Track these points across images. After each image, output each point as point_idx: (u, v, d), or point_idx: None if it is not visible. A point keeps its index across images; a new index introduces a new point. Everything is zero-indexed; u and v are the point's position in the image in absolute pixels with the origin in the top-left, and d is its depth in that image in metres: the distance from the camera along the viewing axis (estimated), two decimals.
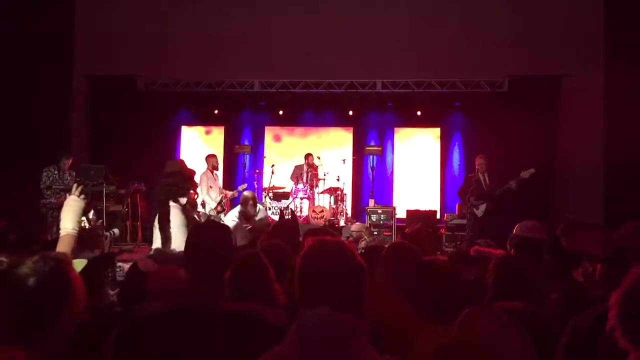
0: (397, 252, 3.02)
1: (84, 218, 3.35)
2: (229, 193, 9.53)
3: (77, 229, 3.07)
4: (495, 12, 10.97)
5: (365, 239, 7.55)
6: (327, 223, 10.22)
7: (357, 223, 9.16)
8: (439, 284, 2.43)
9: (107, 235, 5.43)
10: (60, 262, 2.00)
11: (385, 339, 1.82)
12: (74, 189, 3.18)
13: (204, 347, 1.90)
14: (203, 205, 9.09)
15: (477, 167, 9.09)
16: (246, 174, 11.53)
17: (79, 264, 2.71)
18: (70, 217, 3.03)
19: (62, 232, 3.02)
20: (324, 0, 11.41)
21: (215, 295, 2.07)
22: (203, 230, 2.27)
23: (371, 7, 11.25)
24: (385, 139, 12.44)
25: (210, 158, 9.54)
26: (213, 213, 8.86)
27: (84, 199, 3.17)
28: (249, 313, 2.02)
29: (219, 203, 8.95)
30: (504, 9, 10.97)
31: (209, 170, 9.35)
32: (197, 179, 9.45)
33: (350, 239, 6.86)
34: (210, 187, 9.15)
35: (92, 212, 3.61)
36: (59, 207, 8.05)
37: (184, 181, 4.27)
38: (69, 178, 8.54)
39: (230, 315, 1.98)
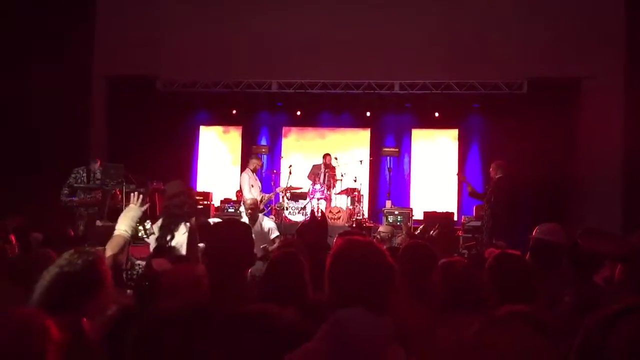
0: (415, 253, 3.02)
1: (141, 227, 3.54)
2: (266, 195, 9.63)
3: (129, 231, 3.27)
4: (514, 12, 10.89)
5: (402, 235, 7.36)
6: (354, 224, 10.21)
7: (385, 225, 9.13)
8: (458, 284, 2.43)
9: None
10: (93, 256, 2.20)
11: (404, 337, 1.83)
12: (133, 198, 3.41)
13: (220, 348, 1.91)
14: (244, 203, 9.18)
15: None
16: (263, 174, 11.57)
17: None
18: (126, 221, 3.25)
19: (115, 232, 3.23)
20: (342, 1, 11.41)
21: (234, 294, 2.08)
22: (223, 229, 2.28)
23: (389, 8, 11.22)
24: (402, 140, 12.41)
25: (253, 159, 9.67)
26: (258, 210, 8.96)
27: (142, 207, 3.37)
28: (263, 314, 2.03)
29: (261, 202, 9.03)
30: (523, 9, 10.89)
31: (250, 170, 9.46)
32: (238, 179, 9.56)
33: (378, 238, 6.80)
34: (252, 186, 9.26)
35: (148, 222, 3.74)
36: (80, 205, 8.18)
37: (190, 200, 4.31)
38: (99, 176, 8.59)
39: (245, 316, 1.99)
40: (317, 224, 4.49)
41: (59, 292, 2.07)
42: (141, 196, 3.38)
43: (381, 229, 7.83)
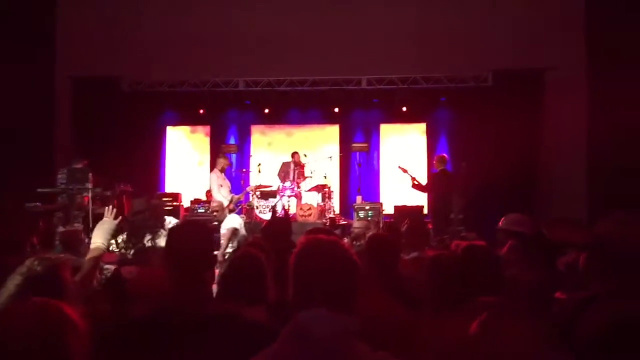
0: (379, 245, 3.02)
1: (113, 241, 3.57)
2: (236, 196, 9.56)
3: (106, 244, 3.32)
4: (478, 6, 11.01)
5: (372, 231, 7.43)
6: (328, 221, 10.22)
7: (360, 220, 9.16)
8: (446, 278, 2.43)
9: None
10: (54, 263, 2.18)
11: (376, 335, 1.82)
12: (107, 212, 3.45)
13: (187, 349, 1.90)
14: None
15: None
16: (233, 173, 11.50)
17: None
18: (102, 234, 3.30)
19: (93, 245, 3.26)
20: None
21: (197, 295, 2.07)
22: (182, 230, 2.26)
23: (354, 4, 11.24)
24: (371, 135, 12.46)
25: (221, 159, 9.59)
26: (225, 212, 8.86)
27: (115, 220, 3.39)
28: (230, 314, 2.01)
29: (231, 201, 8.95)
30: (487, 2, 11.02)
31: (218, 170, 9.39)
32: (208, 178, 9.50)
33: (353, 235, 6.82)
34: (221, 186, 9.20)
35: (121, 235, 3.77)
36: (48, 210, 8.02)
37: (155, 216, 4.32)
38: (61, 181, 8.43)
39: (212, 316, 1.98)
40: (279, 223, 4.48)
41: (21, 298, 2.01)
42: (114, 210, 3.41)
43: (355, 224, 7.86)
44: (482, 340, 1.67)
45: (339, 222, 10.47)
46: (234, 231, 6.73)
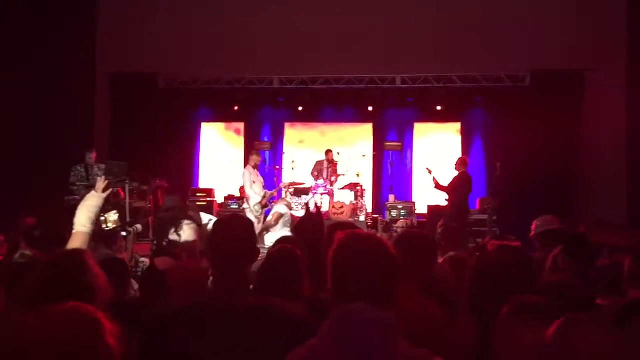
0: (413, 240, 2.97)
1: (104, 217, 3.30)
2: (269, 192, 9.61)
3: (88, 226, 3.01)
4: (516, 4, 10.84)
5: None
6: (370, 222, 10.28)
7: (402, 220, 9.19)
8: (482, 279, 2.39)
9: (130, 231, 5.46)
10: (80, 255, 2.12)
11: (414, 333, 1.81)
12: (98, 184, 3.15)
13: (227, 341, 1.90)
14: (247, 200, 9.20)
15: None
16: (266, 170, 11.56)
17: None
18: (85, 213, 2.98)
19: (75, 229, 2.99)
20: None
21: (238, 289, 2.07)
22: (226, 224, 2.27)
23: (391, 2, 11.18)
24: (405, 134, 12.39)
25: (254, 155, 9.64)
26: (258, 207, 8.93)
27: (103, 194, 3.15)
28: (271, 307, 2.01)
29: (264, 197, 9.01)
30: (525, 1, 10.84)
31: (250, 167, 9.45)
32: (240, 175, 9.60)
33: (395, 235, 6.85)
34: (253, 182, 9.25)
35: (115, 212, 3.53)
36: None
37: (182, 216, 4.26)
38: (99, 173, 8.59)
39: (253, 309, 1.98)
40: (312, 220, 4.47)
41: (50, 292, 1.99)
42: (106, 182, 3.14)
43: (398, 223, 7.85)
44: (562, 346, 1.62)
45: (381, 219, 10.55)
46: (279, 217, 6.79)
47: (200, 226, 5.32)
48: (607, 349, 1.61)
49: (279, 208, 7.03)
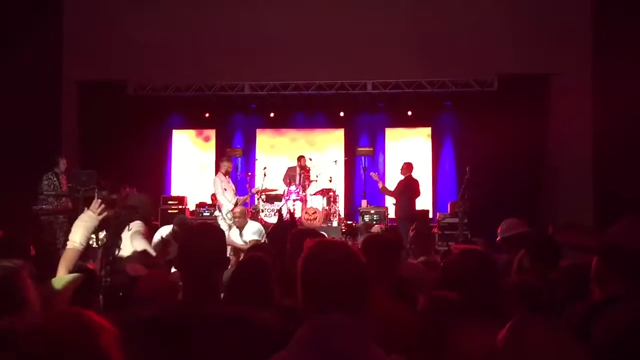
0: (374, 245, 2.98)
1: (93, 236, 3.33)
2: (241, 198, 9.54)
3: (84, 244, 3.06)
4: (484, 10, 10.99)
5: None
6: (345, 228, 10.32)
7: (377, 225, 9.27)
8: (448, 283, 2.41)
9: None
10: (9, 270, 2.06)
11: (387, 337, 1.81)
12: (94, 205, 3.18)
13: (197, 350, 1.89)
14: (219, 207, 9.11)
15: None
16: (238, 176, 11.52)
17: (58, 282, 2.71)
18: (81, 232, 3.02)
19: (69, 245, 3.00)
20: (313, 2, 11.40)
21: (209, 297, 2.06)
22: (195, 232, 2.26)
23: (360, 8, 11.24)
24: (376, 139, 12.48)
25: (225, 162, 9.55)
26: (229, 215, 8.83)
27: (100, 216, 3.16)
28: (241, 315, 2.00)
29: (236, 204, 8.92)
30: (492, 7, 11.00)
31: (221, 174, 9.36)
32: (211, 182, 9.55)
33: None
34: (225, 189, 9.17)
35: (104, 232, 3.54)
36: (54, 213, 8.03)
37: (142, 218, 4.15)
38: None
39: (223, 318, 1.97)
40: (285, 227, 4.47)
41: None
42: (102, 205, 3.17)
43: (373, 229, 7.88)
44: (513, 348, 1.64)
45: (354, 224, 10.59)
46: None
47: (177, 236, 5.23)
48: (557, 349, 1.63)
49: (255, 231, 6.95)
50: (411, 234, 4.88)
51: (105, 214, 3.19)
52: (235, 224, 7.10)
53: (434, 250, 5.05)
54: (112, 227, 3.84)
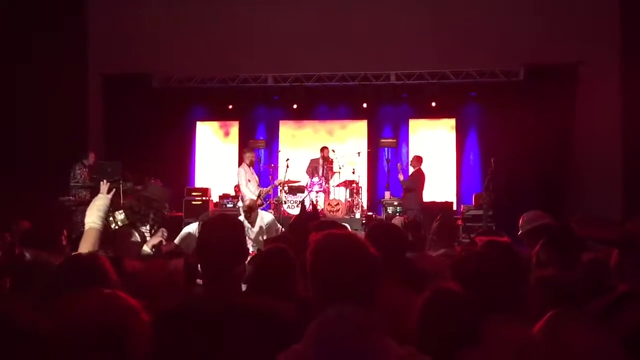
0: (379, 234, 2.94)
1: (111, 218, 3.42)
2: (264, 189, 9.56)
3: (99, 222, 3.15)
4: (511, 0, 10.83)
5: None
6: (365, 218, 10.31)
7: (398, 217, 9.24)
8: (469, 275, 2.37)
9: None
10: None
11: (399, 329, 1.79)
12: (103, 187, 3.27)
13: (217, 342, 1.90)
14: (242, 198, 9.15)
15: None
16: (261, 168, 11.55)
17: None
18: (94, 212, 3.12)
19: (87, 226, 3.10)
20: None
21: (228, 289, 2.07)
22: (215, 225, 2.26)
23: None
24: (400, 130, 12.39)
25: (248, 153, 9.58)
26: (256, 211, 8.86)
27: (111, 195, 3.27)
28: (262, 307, 2.01)
29: (259, 196, 8.94)
30: None
31: (246, 165, 9.39)
32: (234, 173, 9.59)
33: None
34: (249, 180, 9.20)
35: (120, 212, 3.60)
36: (78, 205, 8.16)
37: (158, 210, 4.13)
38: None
39: (240, 309, 1.97)
40: (307, 218, 4.43)
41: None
42: (109, 184, 3.27)
43: (394, 221, 7.83)
44: (551, 341, 1.61)
45: (375, 216, 10.59)
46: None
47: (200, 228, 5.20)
48: (595, 343, 1.60)
49: (265, 221, 7.01)
50: (435, 225, 4.80)
51: (113, 191, 3.28)
52: (246, 219, 7.09)
53: (457, 243, 4.99)
54: (135, 220, 3.88)
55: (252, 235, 6.84)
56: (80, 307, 1.47)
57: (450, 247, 4.45)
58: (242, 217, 7.16)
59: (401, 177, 10.13)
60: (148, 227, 3.86)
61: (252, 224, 6.97)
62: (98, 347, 1.40)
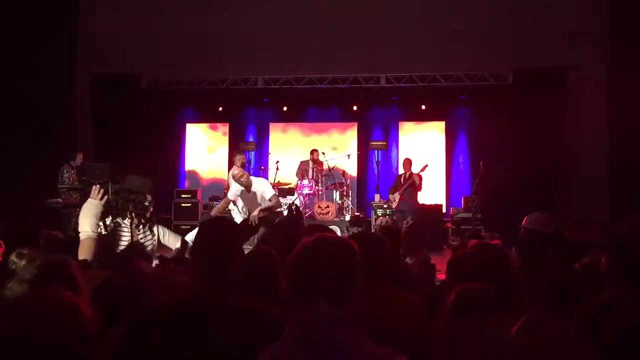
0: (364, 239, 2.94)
1: (100, 223, 3.36)
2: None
3: (96, 231, 3.14)
4: (499, 3, 10.88)
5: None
6: (353, 218, 10.31)
7: (381, 217, 9.28)
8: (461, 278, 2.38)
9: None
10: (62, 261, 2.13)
11: (384, 332, 1.80)
12: (93, 192, 3.21)
13: (207, 340, 1.90)
14: (235, 203, 9.10)
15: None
16: (251, 170, 11.53)
17: None
18: (89, 220, 3.08)
19: (82, 236, 3.07)
20: None
21: (220, 289, 2.07)
22: (210, 226, 2.27)
23: (374, 1, 11.18)
24: (390, 133, 12.43)
25: (238, 155, 9.55)
26: (244, 210, 8.82)
27: (104, 201, 3.23)
28: (251, 307, 2.01)
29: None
30: (508, 0, 10.88)
31: (237, 167, 9.36)
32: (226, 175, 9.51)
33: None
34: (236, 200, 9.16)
35: (110, 218, 3.52)
36: (66, 206, 8.10)
37: (138, 203, 3.98)
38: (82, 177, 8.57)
39: (233, 309, 1.98)
40: (291, 220, 4.44)
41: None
42: (102, 190, 3.23)
43: (377, 222, 7.83)
44: (524, 342, 1.62)
45: (364, 217, 10.58)
46: None
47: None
48: (566, 347, 1.61)
49: (264, 185, 7.21)
50: (404, 228, 4.63)
51: (106, 197, 3.23)
52: (243, 185, 7.14)
53: (445, 245, 4.95)
54: (113, 215, 3.71)
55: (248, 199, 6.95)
56: (30, 308, 1.49)
57: (419, 253, 4.33)
58: (238, 217, 7.19)
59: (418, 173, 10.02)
60: (128, 222, 3.70)
61: (249, 190, 7.04)
62: (37, 346, 1.42)
